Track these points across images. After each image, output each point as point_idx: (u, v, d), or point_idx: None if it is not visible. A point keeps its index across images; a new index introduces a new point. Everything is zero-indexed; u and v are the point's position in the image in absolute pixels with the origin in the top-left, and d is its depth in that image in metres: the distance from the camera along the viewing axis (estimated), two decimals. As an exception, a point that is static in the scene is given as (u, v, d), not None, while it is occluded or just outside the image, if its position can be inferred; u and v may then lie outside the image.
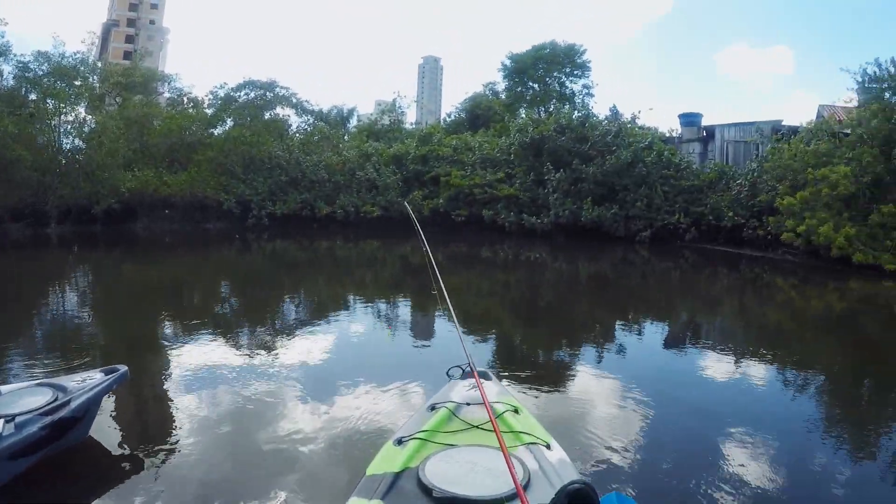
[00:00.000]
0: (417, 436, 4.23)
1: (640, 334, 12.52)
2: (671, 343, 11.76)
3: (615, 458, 6.16)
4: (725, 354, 10.51)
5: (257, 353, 10.23)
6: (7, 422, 5.17)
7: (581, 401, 8.12)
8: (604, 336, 12.25)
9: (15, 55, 31.02)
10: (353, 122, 47.62)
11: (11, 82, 31.04)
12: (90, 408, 6.03)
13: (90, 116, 33.45)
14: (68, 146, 31.66)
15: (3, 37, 30.84)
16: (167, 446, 6.50)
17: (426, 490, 3.49)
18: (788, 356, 10.66)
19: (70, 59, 31.97)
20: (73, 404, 5.66)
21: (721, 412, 7.70)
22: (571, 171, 26.87)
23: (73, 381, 6.08)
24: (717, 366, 9.75)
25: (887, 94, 21.41)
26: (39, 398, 5.66)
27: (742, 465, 6.00)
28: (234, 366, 9.40)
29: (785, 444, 6.67)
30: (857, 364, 10.68)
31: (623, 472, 5.91)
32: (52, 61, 30.93)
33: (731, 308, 15.63)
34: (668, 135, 33.48)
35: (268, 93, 38.16)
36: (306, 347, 10.71)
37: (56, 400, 5.64)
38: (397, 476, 3.73)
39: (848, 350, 11.58)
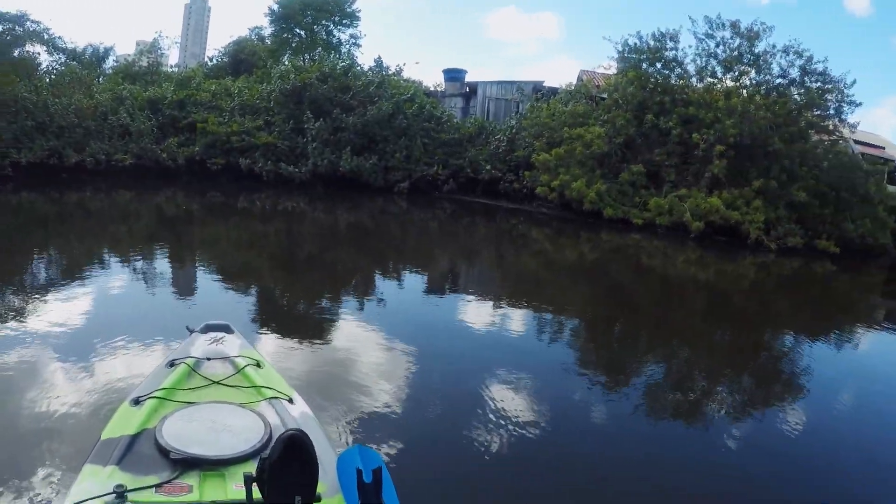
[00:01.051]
0: (155, 394, 4.01)
1: (399, 284, 12.75)
2: (430, 292, 12.07)
3: (366, 413, 6.13)
4: (484, 303, 10.92)
5: None
6: None
7: (336, 354, 8.13)
8: (363, 287, 12.34)
9: None
10: (110, 62, 44.55)
11: None
12: None
13: None
14: None
15: None
16: None
17: (163, 451, 3.28)
18: (544, 303, 11.30)
19: None
20: None
21: (479, 361, 7.91)
22: (332, 120, 26.56)
23: None
24: (475, 315, 10.09)
25: (644, 65, 23.50)
26: None
27: (498, 411, 6.17)
28: None
29: (541, 387, 7.07)
30: (608, 308, 11.48)
31: (374, 427, 5.88)
32: None
33: (488, 257, 16.25)
34: (432, 89, 34.01)
35: (17, 27, 34.72)
36: (48, 306, 10.03)
37: None
38: (133, 438, 3.50)
39: (600, 296, 12.41)
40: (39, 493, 4.76)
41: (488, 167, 25.20)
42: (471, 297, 11.39)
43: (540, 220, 21.47)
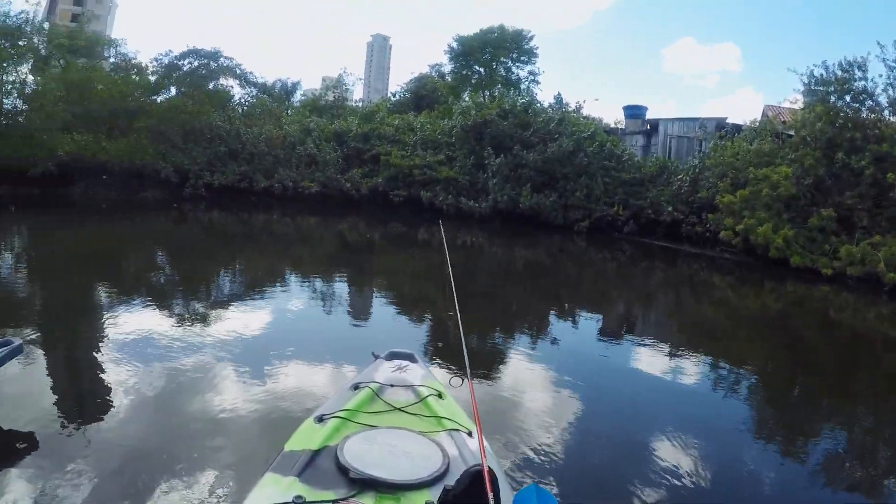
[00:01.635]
0: (338, 414, 4.10)
1: (574, 325, 12.46)
2: (605, 336, 11.67)
3: (539, 451, 6.03)
4: (659, 350, 10.44)
5: (188, 325, 10.36)
6: None
7: (509, 390, 8.08)
8: (537, 325, 12.19)
9: (-44, 13, 30.18)
10: (298, 96, 46.99)
11: None
12: None
13: (32, 78, 32.55)
14: (9, 107, 30.77)
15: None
16: (95, 416, 6.46)
17: (343, 470, 3.36)
18: (722, 355, 10.61)
19: (15, 19, 31.00)
20: None
21: (651, 409, 7.62)
22: (512, 156, 26.64)
23: None
24: (649, 361, 9.70)
25: (832, 98, 21.41)
26: None
27: (668, 464, 5.88)
28: (163, 337, 9.28)
29: (713, 444, 6.63)
30: (789, 366, 10.69)
31: (546, 466, 5.81)
32: (-5, 20, 29.94)
33: (666, 304, 15.64)
34: (612, 126, 33.54)
35: (212, 62, 37.31)
36: (238, 321, 10.69)
37: None
38: (315, 454, 3.60)
39: (781, 352, 11.56)
40: (222, 494, 5.07)
41: (670, 208, 24.20)
42: (646, 344, 10.96)
43: (722, 266, 20.44)
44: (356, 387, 4.62)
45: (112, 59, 40.20)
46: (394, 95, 48.74)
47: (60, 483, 5.07)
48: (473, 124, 28.49)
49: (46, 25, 38.71)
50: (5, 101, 30.82)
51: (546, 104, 31.42)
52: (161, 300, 12.04)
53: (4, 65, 30.01)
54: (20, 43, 31.13)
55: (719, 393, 8.77)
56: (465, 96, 38.59)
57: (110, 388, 7.27)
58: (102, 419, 6.39)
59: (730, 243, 21.06)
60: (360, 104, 48.13)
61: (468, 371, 3.34)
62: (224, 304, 12.28)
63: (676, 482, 5.57)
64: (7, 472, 5.23)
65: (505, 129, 27.62)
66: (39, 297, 12.40)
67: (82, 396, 7.21)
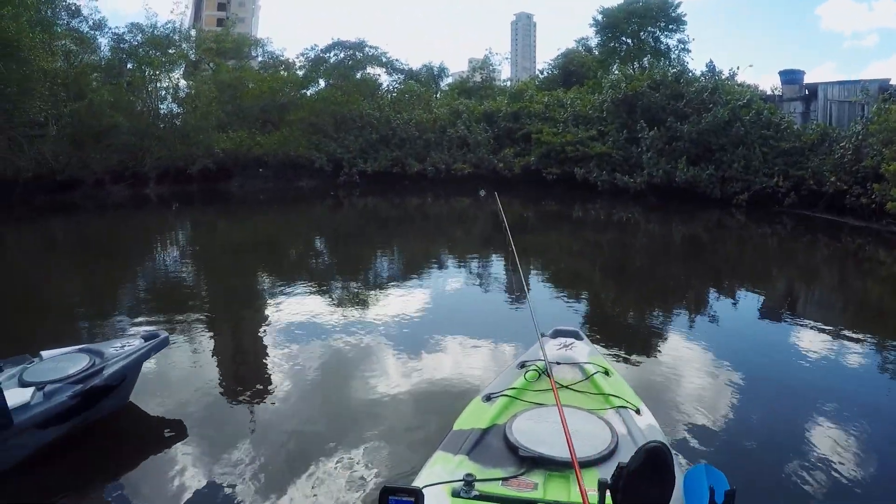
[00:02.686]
0: (506, 393, 4.26)
1: (733, 303, 12.28)
2: (765, 315, 11.40)
3: (702, 431, 6.13)
4: (822, 331, 10.10)
5: (349, 308, 10.85)
6: (37, 389, 5.29)
7: (670, 368, 8.17)
8: (696, 303, 12.10)
9: (110, 28, 33.30)
10: (446, 80, 47.56)
11: (108, 54, 33.04)
12: (126, 375, 6.08)
13: (185, 82, 34.64)
14: (165, 111, 32.93)
15: (98, 11, 32.63)
16: (264, 394, 6.99)
17: (512, 448, 3.49)
18: (889, 337, 10.17)
19: (162, 29, 33.59)
20: (106, 373, 5.74)
21: (814, 392, 7.47)
22: (666, 129, 26.13)
23: (113, 348, 6.15)
24: (812, 342, 9.42)
25: None
26: (75, 365, 5.76)
27: (833, 451, 5.81)
28: (324, 320, 9.88)
29: (879, 431, 6.42)
30: None
31: (710, 446, 5.88)
32: (145, 32, 32.68)
33: (830, 281, 15.05)
34: (768, 93, 32.21)
35: (357, 53, 38.64)
36: (398, 303, 11.06)
37: (91, 367, 5.71)
38: (484, 432, 3.75)
39: None
40: (392, 472, 5.24)
41: (832, 179, 22.60)
42: (809, 324, 10.46)
43: (889, 240, 18.97)
44: (522, 365, 4.76)
45: (260, 59, 42.60)
46: (541, 73, 48.61)
47: (224, 465, 5.46)
48: (624, 97, 28.17)
49: (193, 32, 41.24)
50: (161, 106, 33.31)
51: (698, 73, 30.37)
52: (321, 284, 12.71)
53: (157, 73, 32.34)
54: (170, 51, 33.40)
55: (884, 378, 8.46)
56: (614, 69, 37.99)
57: (273, 371, 7.81)
58: (265, 401, 6.89)
59: (896, 216, 19.79)
60: (509, 83, 48.26)
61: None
62: (383, 286, 12.83)
63: (838, 469, 5.52)
64: (178, 452, 5.71)
65: (657, 100, 27.13)
66: (204, 285, 13.30)
67: (246, 379, 7.73)
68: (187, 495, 5.02)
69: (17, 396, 5.11)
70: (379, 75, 40.75)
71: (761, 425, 6.48)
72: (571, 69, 43.35)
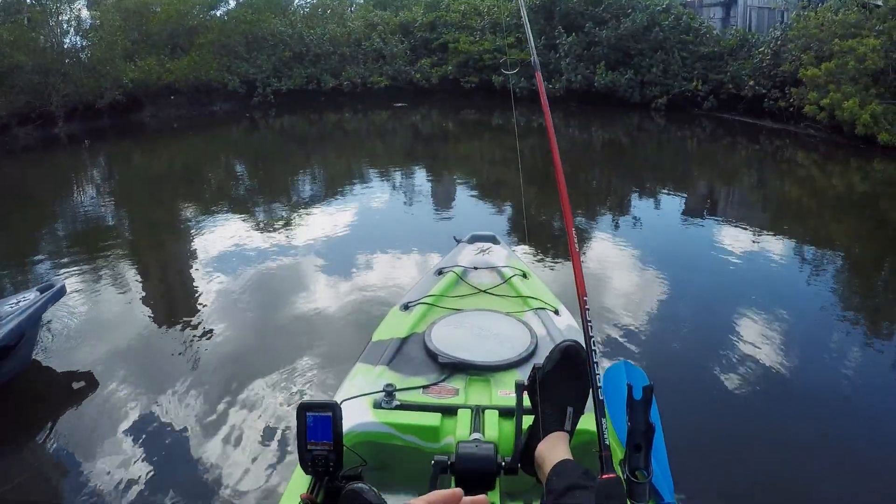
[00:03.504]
0: (424, 300, 4.14)
1: (655, 205, 12.43)
2: (687, 215, 11.68)
3: (624, 330, 6.21)
4: (742, 230, 10.42)
5: (273, 231, 10.97)
6: None
7: (592, 270, 8.19)
8: (619, 206, 12.19)
9: (4, -41, 30.68)
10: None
11: None
12: (24, 333, 5.52)
13: (88, 12, 32.87)
14: (69, 45, 31.18)
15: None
16: (186, 327, 6.90)
17: (432, 355, 3.42)
18: (807, 234, 10.51)
19: None
20: (1, 332, 5.18)
21: (735, 289, 7.71)
22: (584, 34, 25.70)
23: (8, 305, 5.55)
24: (733, 241, 9.78)
25: None
26: None
27: (753, 345, 6.01)
28: (248, 244, 9.80)
29: (798, 324, 6.68)
30: (877, 247, 10.37)
31: (632, 344, 5.94)
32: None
33: (749, 182, 15.33)
34: (688, -1, 32.14)
35: (268, -31, 37.14)
36: (320, 221, 11.08)
37: None
38: (403, 341, 3.67)
39: (869, 232, 11.17)
40: (317, 387, 5.43)
41: (751, 83, 22.91)
42: (729, 223, 10.85)
43: (806, 143, 19.40)
44: (440, 272, 4.62)
45: None
46: (459, -21, 47.59)
47: (145, 406, 5.37)
48: (542, 3, 27.41)
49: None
50: (65, 40, 31.11)
51: (617, -23, 30.03)
52: (242, 208, 12.42)
53: (59, 5, 30.20)
54: None
55: (804, 274, 8.75)
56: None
57: (196, 302, 7.67)
58: (195, 331, 6.74)
59: (814, 119, 19.93)
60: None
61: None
62: (305, 205, 12.58)
63: (758, 364, 5.69)
64: (93, 404, 5.49)
65: (575, 6, 26.50)
66: (121, 221, 12.79)
67: (165, 314, 7.52)
68: (109, 445, 4.91)
69: None
70: (290, -10, 39.34)
71: (683, 324, 6.64)
72: (489, -25, 42.54)
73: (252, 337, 6.57)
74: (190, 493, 4.36)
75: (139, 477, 4.52)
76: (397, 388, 3.04)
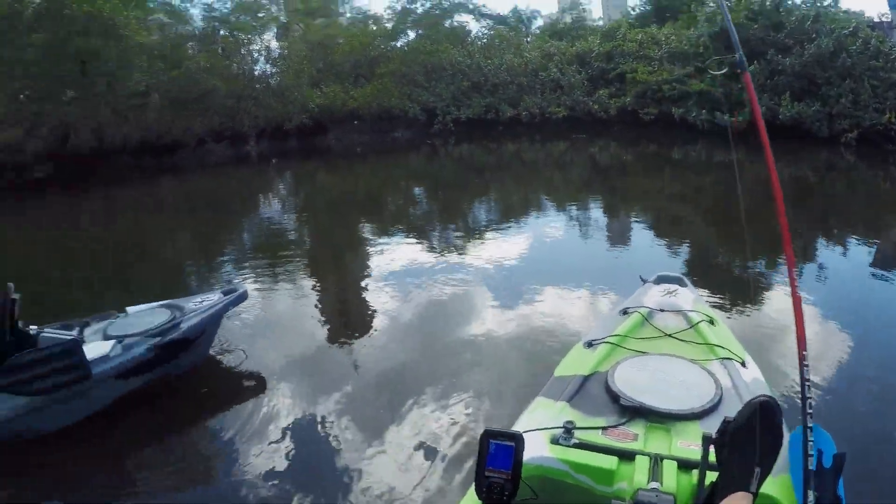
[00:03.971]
0: (608, 340, 4.17)
1: (844, 253, 11.69)
2: (880, 267, 10.70)
3: (810, 389, 5.87)
4: None
5: (448, 255, 11.06)
6: (117, 342, 5.60)
7: (776, 320, 7.75)
8: (804, 252, 11.57)
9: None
10: (536, 24, 47.48)
11: (200, 23, 34.57)
12: (206, 329, 6.30)
13: (277, 43, 36.39)
14: (259, 72, 34.49)
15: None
16: (358, 343, 7.27)
17: (613, 396, 3.46)
18: None
19: None
20: (184, 326, 5.96)
21: None
22: (766, 62, 24.95)
23: (193, 303, 6.38)
24: None
25: None
26: (155, 320, 6.03)
27: None
28: (423, 266, 10.27)
29: None
30: None
31: (817, 406, 5.58)
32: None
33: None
34: (875, 20, 30.50)
35: (443, 1, 38.43)
36: (497, 249, 11.28)
37: (170, 322, 5.96)
38: (585, 379, 3.72)
39: None
40: (492, 416, 5.40)
41: None
42: None
43: None
44: (625, 312, 4.66)
45: (348, 15, 42.66)
46: (633, 10, 47.08)
47: (309, 416, 5.72)
48: (721, 31, 26.75)
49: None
50: (255, 68, 34.41)
51: (799, 0, 28.85)
52: (419, 232, 13.03)
53: (250, 36, 33.77)
54: (259, 15, 35.11)
55: None
56: (710, 1, 36.55)
57: (368, 319, 8.09)
58: (363, 345, 7.18)
59: None
60: (601, 23, 47.37)
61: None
62: (481, 232, 13.02)
63: None
64: (260, 404, 5.97)
65: (756, 31, 25.76)
66: (303, 236, 13.76)
67: (339, 329, 8.06)
68: (266, 446, 5.29)
69: (98, 349, 5.47)
70: (467, 23, 41.41)
71: (874, 388, 6.16)
72: (664, 4, 41.65)
73: (417, 356, 6.78)
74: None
75: (289, 480, 4.82)
76: (577, 425, 3.09)
